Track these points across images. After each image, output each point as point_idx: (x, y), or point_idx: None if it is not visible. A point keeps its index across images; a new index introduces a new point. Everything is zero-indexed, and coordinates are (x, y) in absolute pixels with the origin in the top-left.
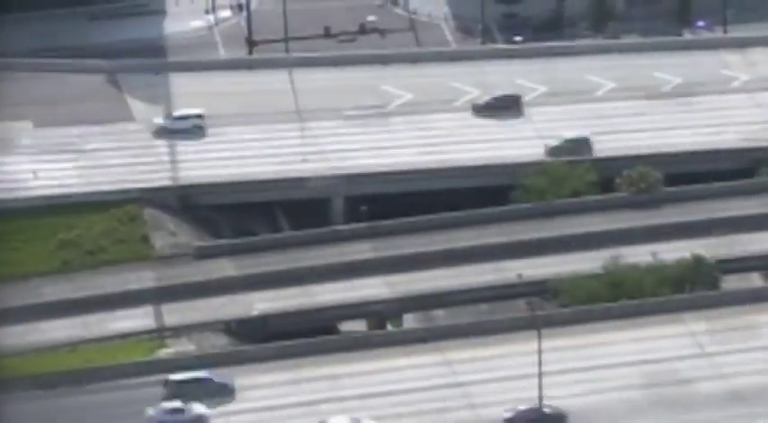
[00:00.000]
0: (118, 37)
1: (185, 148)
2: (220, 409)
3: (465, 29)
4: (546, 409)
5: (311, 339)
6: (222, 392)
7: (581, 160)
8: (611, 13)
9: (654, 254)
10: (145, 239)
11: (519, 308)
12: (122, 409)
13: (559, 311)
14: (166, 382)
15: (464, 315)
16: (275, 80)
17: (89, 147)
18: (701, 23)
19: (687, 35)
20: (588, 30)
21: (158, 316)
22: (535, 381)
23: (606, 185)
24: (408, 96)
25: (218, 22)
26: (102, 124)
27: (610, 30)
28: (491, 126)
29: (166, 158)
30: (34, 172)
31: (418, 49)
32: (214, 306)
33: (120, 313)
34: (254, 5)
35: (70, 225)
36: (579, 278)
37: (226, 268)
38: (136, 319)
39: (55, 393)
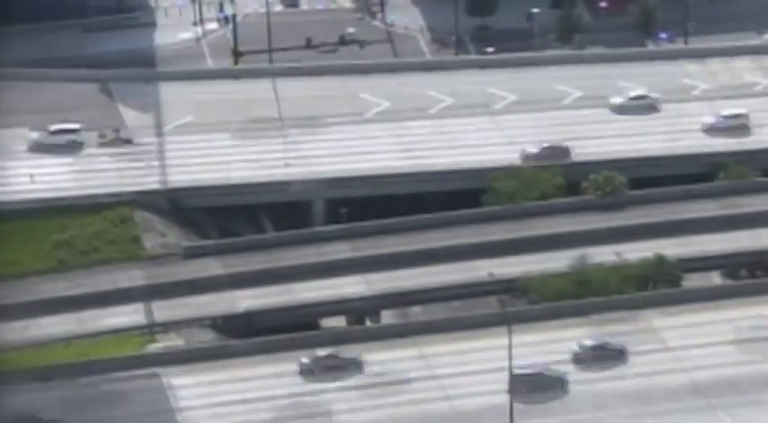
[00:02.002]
0: (110, 48)
1: (174, 153)
2: (205, 400)
3: (439, 40)
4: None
5: (293, 335)
6: None
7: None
8: (577, 25)
9: (618, 253)
10: (136, 240)
11: (490, 305)
12: (115, 400)
13: (529, 308)
14: None
15: (438, 311)
16: (259, 89)
17: (83, 152)
18: (663, 35)
19: (650, 46)
20: (556, 41)
21: (148, 312)
22: (506, 374)
23: (573, 189)
24: (386, 104)
25: (205, 33)
26: (96, 131)
27: (576, 41)
28: (463, 132)
29: (156, 163)
30: (31, 176)
31: (395, 60)
32: (201, 303)
33: (112, 310)
34: (239, 18)
35: (65, 226)
36: (547, 276)
37: (212, 267)
38: (127, 316)
39: (51, 386)
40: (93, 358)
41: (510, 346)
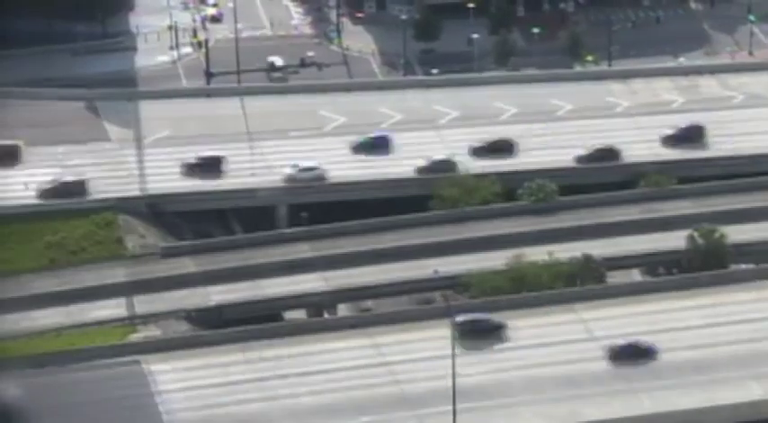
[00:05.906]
0: (96, 70)
1: (153, 163)
2: (181, 384)
3: (390, 63)
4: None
5: (259, 326)
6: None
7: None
8: (512, 49)
9: (550, 253)
10: (119, 241)
11: (435, 299)
12: (100, 384)
13: (469, 302)
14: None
15: (389, 305)
16: (229, 106)
17: (72, 163)
18: None
19: (578, 68)
20: (494, 63)
21: (130, 306)
22: (449, 361)
23: (509, 195)
24: (342, 120)
25: (180, 56)
26: (83, 143)
27: (512, 63)
28: (411, 145)
29: (137, 173)
30: (26, 184)
31: (350, 80)
32: (177, 297)
33: (98, 304)
34: (211, 43)
35: (56, 229)
36: (486, 273)
37: (187, 265)
38: (111, 309)
39: (43, 372)
40: (81, 347)
41: (453, 336)
